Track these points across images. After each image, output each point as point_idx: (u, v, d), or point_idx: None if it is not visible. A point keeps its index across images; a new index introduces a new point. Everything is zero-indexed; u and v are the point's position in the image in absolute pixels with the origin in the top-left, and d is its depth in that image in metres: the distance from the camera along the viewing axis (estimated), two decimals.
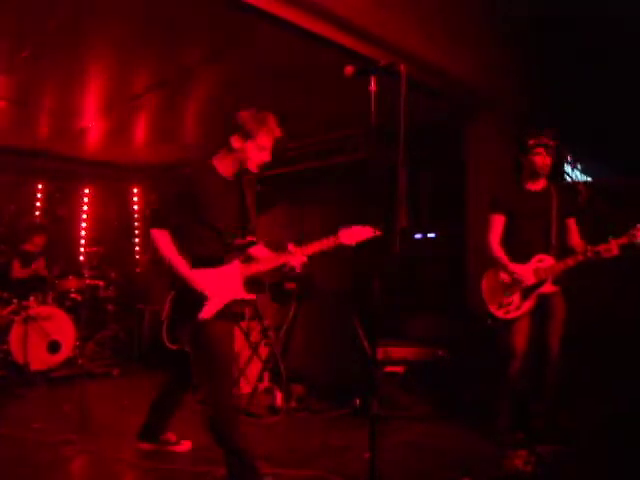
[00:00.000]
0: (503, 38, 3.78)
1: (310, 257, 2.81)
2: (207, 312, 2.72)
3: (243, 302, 2.91)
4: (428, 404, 4.14)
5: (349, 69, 2.31)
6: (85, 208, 7.98)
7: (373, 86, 2.24)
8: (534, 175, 3.46)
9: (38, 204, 7.49)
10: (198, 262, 2.75)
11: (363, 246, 2.72)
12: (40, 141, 6.47)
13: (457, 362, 4.35)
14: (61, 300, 5.84)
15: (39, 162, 7.16)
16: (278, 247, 2.96)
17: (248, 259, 2.92)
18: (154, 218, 2.84)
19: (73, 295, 5.98)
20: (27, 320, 5.26)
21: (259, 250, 2.98)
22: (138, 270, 8.02)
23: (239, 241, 2.88)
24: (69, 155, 7.12)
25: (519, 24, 3.57)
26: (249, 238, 2.91)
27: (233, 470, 2.67)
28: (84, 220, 7.95)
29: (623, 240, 3.11)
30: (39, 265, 6.00)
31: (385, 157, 2.53)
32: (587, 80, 4.10)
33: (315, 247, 2.80)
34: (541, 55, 3.91)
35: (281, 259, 2.83)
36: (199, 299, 2.72)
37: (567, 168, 4.00)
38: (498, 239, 3.51)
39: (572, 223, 3.46)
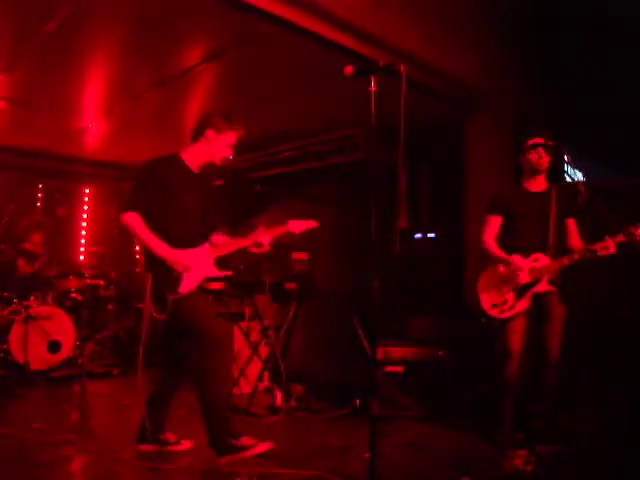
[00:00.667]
0: (502, 38, 3.79)
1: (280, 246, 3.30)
2: (186, 287, 2.95)
3: (218, 279, 3.35)
4: (428, 404, 4.14)
5: (349, 69, 2.31)
6: (85, 208, 7.98)
7: (373, 86, 2.24)
8: (533, 173, 3.45)
9: (38, 204, 7.50)
10: (170, 243, 2.98)
11: (363, 246, 2.72)
12: (40, 141, 6.48)
13: (457, 362, 4.35)
14: (61, 300, 5.84)
15: (39, 162, 7.16)
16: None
17: (213, 243, 3.24)
18: (126, 202, 3.03)
19: (73, 295, 5.98)
20: (27, 320, 5.26)
21: (220, 237, 3.30)
22: (138, 270, 8.01)
23: (202, 227, 3.18)
24: (69, 155, 7.13)
25: (518, 24, 3.57)
26: (210, 225, 3.25)
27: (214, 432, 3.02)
28: (84, 220, 7.95)
29: (620, 238, 3.10)
30: (42, 264, 6.00)
31: (385, 157, 2.54)
32: (587, 80, 4.10)
33: (272, 233, 3.20)
34: (541, 55, 3.92)
35: (244, 241, 3.19)
36: (178, 276, 2.94)
37: (568, 168, 4.00)
38: (493, 237, 3.51)
39: (572, 224, 3.45)
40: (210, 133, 3.10)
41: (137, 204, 2.97)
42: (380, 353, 4.36)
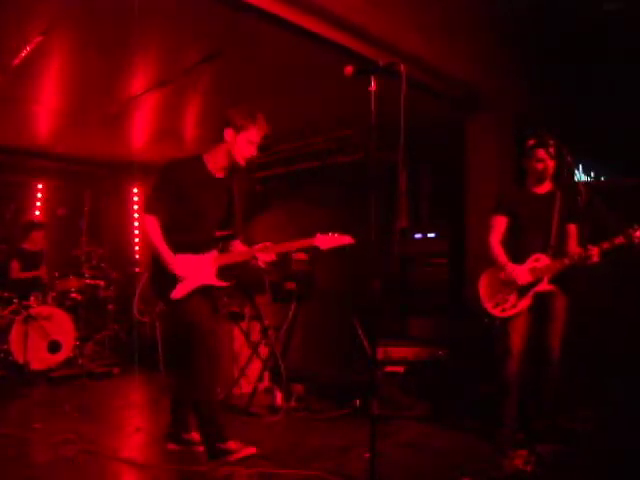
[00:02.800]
0: (502, 38, 3.78)
1: (284, 255, 3.19)
2: (178, 292, 2.97)
3: (213, 288, 3.13)
4: (428, 404, 4.14)
5: (349, 69, 2.31)
6: (85, 208, 7.96)
7: (373, 86, 2.24)
8: (539, 180, 3.46)
9: (38, 204, 7.50)
10: (180, 247, 2.99)
11: (363, 247, 2.73)
12: (40, 141, 6.48)
13: (457, 362, 4.35)
14: (61, 300, 5.84)
15: (39, 162, 7.16)
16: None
17: (224, 250, 3.15)
18: (146, 204, 3.07)
19: (73, 295, 5.98)
20: (27, 320, 5.26)
21: (237, 244, 3.18)
22: (138, 270, 8.01)
23: (218, 233, 3.12)
24: (69, 155, 7.13)
25: (519, 24, 3.57)
26: (228, 232, 3.16)
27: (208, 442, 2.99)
28: (84, 220, 7.93)
29: (620, 239, 3.11)
30: (42, 272, 6.01)
31: (385, 157, 2.54)
32: (587, 80, 4.10)
33: (287, 247, 3.04)
34: (541, 55, 3.91)
35: (250, 253, 3.05)
36: (172, 281, 2.96)
37: (568, 168, 4.00)
38: (498, 239, 3.52)
39: (572, 229, 3.45)
40: (229, 133, 2.97)
41: (154, 207, 3.00)
42: (380, 353, 4.36)
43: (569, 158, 3.26)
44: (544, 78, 4.23)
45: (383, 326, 4.68)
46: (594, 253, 3.14)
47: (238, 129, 2.94)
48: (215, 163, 3.06)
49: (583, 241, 3.37)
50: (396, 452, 3.29)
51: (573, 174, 4.24)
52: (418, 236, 5.41)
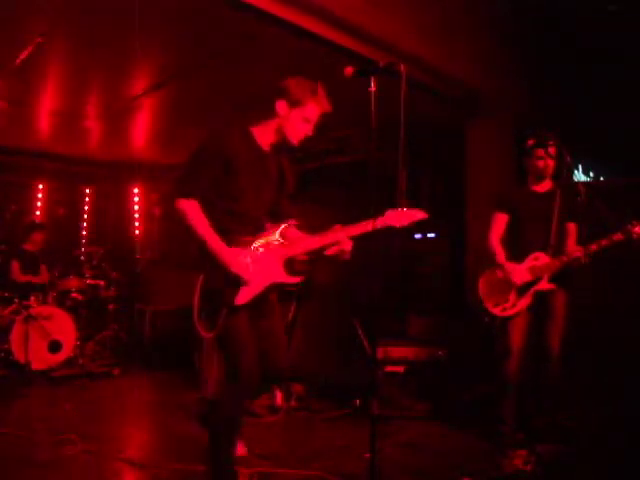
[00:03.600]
0: (502, 38, 3.78)
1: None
2: (243, 297, 2.38)
3: (284, 286, 2.55)
4: (428, 404, 4.14)
5: (349, 70, 2.31)
6: (85, 208, 7.99)
7: (373, 86, 2.24)
8: (539, 179, 3.47)
9: (38, 204, 7.50)
10: (229, 237, 2.42)
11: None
12: (40, 141, 6.48)
13: (457, 362, 4.35)
14: (62, 300, 5.85)
15: (39, 162, 7.17)
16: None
17: (284, 240, 2.55)
18: (181, 184, 2.42)
19: (74, 295, 5.98)
20: (28, 320, 5.27)
21: (293, 232, 2.60)
22: (138, 270, 8.02)
23: (272, 220, 2.59)
24: (69, 155, 7.13)
25: (519, 24, 3.57)
26: (281, 217, 2.62)
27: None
28: (84, 220, 7.96)
29: (618, 236, 3.12)
30: (43, 275, 6.02)
31: (385, 157, 2.54)
32: (587, 80, 4.10)
33: (360, 228, 2.45)
34: (541, 55, 3.91)
35: (327, 239, 2.47)
36: (234, 281, 2.37)
37: (568, 168, 4.00)
38: (498, 237, 3.53)
39: (572, 227, 3.47)
40: (281, 106, 2.47)
41: (196, 187, 2.40)
42: (380, 353, 4.36)
43: (569, 158, 3.26)
44: (544, 78, 4.23)
45: (383, 326, 4.67)
46: (591, 251, 3.16)
47: (293, 103, 2.45)
48: (263, 137, 2.55)
49: (582, 240, 3.38)
50: (396, 452, 3.30)
51: (573, 174, 4.25)
52: (418, 236, 5.42)
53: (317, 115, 2.50)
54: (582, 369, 3.85)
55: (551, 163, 3.41)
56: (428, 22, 3.65)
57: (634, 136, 4.15)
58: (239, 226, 2.46)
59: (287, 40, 3.67)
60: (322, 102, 2.48)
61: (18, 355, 5.18)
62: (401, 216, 2.45)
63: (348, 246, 2.47)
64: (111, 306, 6.46)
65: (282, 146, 2.59)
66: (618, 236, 3.12)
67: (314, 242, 2.50)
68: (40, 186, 7.50)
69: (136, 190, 8.39)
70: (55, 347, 5.44)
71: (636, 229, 3.09)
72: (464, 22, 3.61)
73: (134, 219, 8.37)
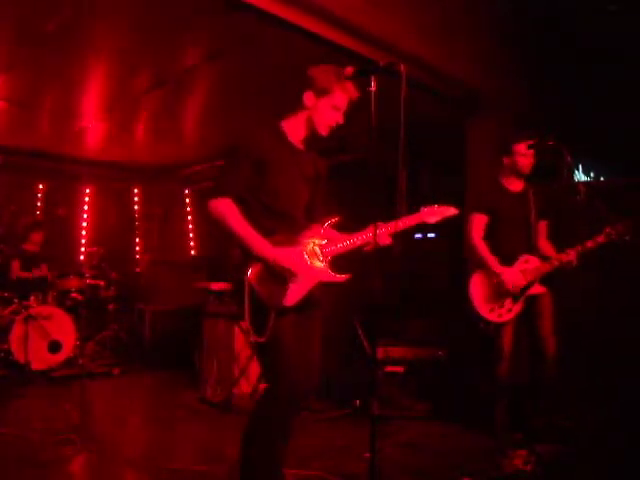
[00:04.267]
0: (502, 38, 3.78)
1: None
2: (293, 297, 2.29)
3: (330, 285, 2.44)
4: (428, 404, 4.14)
5: (349, 70, 2.31)
6: (85, 208, 7.99)
7: (373, 86, 2.24)
8: (517, 176, 3.48)
9: (38, 204, 7.50)
10: (269, 240, 2.32)
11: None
12: (40, 141, 6.48)
13: (457, 362, 4.35)
14: (62, 300, 5.85)
15: (39, 162, 7.17)
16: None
17: (325, 239, 2.48)
18: (214, 187, 2.34)
19: (74, 295, 5.98)
20: (28, 320, 5.27)
21: (331, 232, 2.54)
22: (138, 270, 8.02)
23: (309, 218, 2.53)
24: (69, 155, 7.13)
25: (519, 24, 3.57)
26: (318, 217, 2.55)
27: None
28: (84, 220, 7.96)
29: (601, 238, 3.16)
30: (42, 271, 6.01)
31: (385, 157, 2.53)
32: (587, 80, 4.10)
33: (399, 225, 2.48)
34: (541, 55, 3.91)
35: (368, 236, 2.41)
36: (284, 282, 2.28)
37: (567, 168, 4.00)
38: (480, 238, 3.50)
39: (543, 226, 3.51)
40: (309, 97, 2.42)
41: (232, 187, 2.32)
42: (380, 353, 4.36)
43: (569, 158, 3.26)
44: (544, 78, 4.23)
45: (383, 326, 4.67)
46: (578, 253, 3.20)
47: (320, 92, 2.40)
48: (294, 133, 2.49)
49: (552, 238, 3.45)
50: (396, 452, 3.30)
51: (573, 174, 4.25)
52: (418, 236, 5.42)
53: (345, 102, 2.44)
54: (579, 370, 3.85)
55: (532, 161, 3.42)
56: (428, 22, 3.65)
57: (634, 136, 4.14)
58: (279, 226, 2.37)
59: (287, 40, 3.68)
60: (348, 88, 2.41)
61: (18, 355, 5.18)
62: (434, 212, 2.58)
63: (388, 242, 2.47)
64: (111, 306, 6.47)
65: (313, 140, 2.53)
66: (601, 238, 3.17)
67: (357, 240, 2.45)
68: (40, 186, 7.50)
69: (136, 190, 8.39)
70: (55, 347, 5.44)
71: (615, 230, 3.14)
72: (464, 22, 3.61)
73: (134, 219, 8.37)
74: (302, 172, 2.50)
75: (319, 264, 2.40)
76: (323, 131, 2.47)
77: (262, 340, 2.21)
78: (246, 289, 2.25)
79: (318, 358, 2.53)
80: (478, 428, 3.62)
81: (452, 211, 2.66)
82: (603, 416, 3.64)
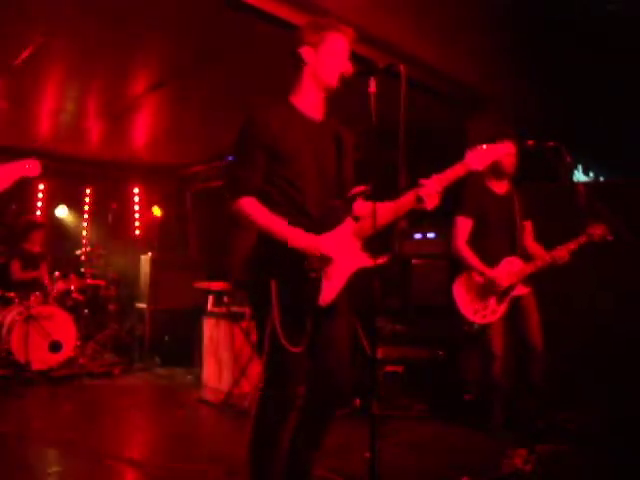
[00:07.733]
0: (503, 39, 3.79)
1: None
2: (330, 292, 2.07)
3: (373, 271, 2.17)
4: (428, 404, 4.14)
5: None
6: (86, 208, 7.99)
7: (373, 87, 2.24)
8: (501, 176, 3.48)
9: (38, 204, 7.50)
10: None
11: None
12: (40, 141, 6.48)
13: (457, 362, 4.35)
14: (62, 300, 5.85)
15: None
16: None
17: (357, 217, 2.22)
18: (231, 184, 2.18)
19: (74, 295, 5.98)
20: (28, 320, 5.27)
21: (363, 205, 2.28)
22: (138, 270, 8.01)
23: (338, 195, 2.29)
24: (69, 155, 7.13)
25: (519, 25, 3.57)
26: (347, 190, 2.32)
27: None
28: (84, 220, 7.96)
29: (583, 238, 3.20)
30: (42, 272, 6.02)
31: (385, 157, 2.54)
32: (587, 80, 4.10)
33: (445, 178, 2.30)
34: (541, 55, 3.92)
35: (407, 203, 2.18)
36: (316, 278, 2.04)
37: (569, 169, 4.01)
38: (464, 242, 3.50)
39: (528, 225, 3.54)
40: (306, 52, 2.22)
41: (249, 184, 2.13)
42: (380, 353, 4.36)
43: (569, 158, 3.27)
44: (544, 78, 4.23)
45: (383, 326, 4.67)
46: (564, 254, 3.23)
47: (315, 44, 2.22)
48: (306, 101, 2.26)
49: (539, 238, 3.49)
50: (396, 452, 3.30)
51: (573, 174, 4.25)
52: (418, 236, 5.41)
53: (344, 43, 2.26)
54: (579, 370, 3.86)
55: (515, 161, 3.43)
56: (428, 22, 3.65)
57: (634, 136, 4.15)
58: (306, 213, 2.16)
59: (287, 40, 3.67)
60: (341, 28, 2.26)
61: (18, 355, 5.18)
62: (483, 155, 2.25)
63: (435, 202, 2.25)
64: (111, 306, 6.47)
65: (330, 100, 2.30)
66: (583, 238, 3.21)
67: (396, 209, 2.16)
68: (40, 186, 7.50)
69: (136, 190, 8.39)
70: (55, 347, 5.43)
71: (596, 231, 3.18)
72: (464, 22, 3.61)
73: (134, 219, 8.37)
74: (322, 148, 2.28)
75: (353, 249, 2.14)
76: (333, 82, 2.23)
77: (299, 350, 2.05)
78: (273, 290, 2.03)
79: (346, 360, 2.38)
80: (478, 428, 3.62)
81: (505, 148, 2.30)
82: (604, 416, 3.65)
